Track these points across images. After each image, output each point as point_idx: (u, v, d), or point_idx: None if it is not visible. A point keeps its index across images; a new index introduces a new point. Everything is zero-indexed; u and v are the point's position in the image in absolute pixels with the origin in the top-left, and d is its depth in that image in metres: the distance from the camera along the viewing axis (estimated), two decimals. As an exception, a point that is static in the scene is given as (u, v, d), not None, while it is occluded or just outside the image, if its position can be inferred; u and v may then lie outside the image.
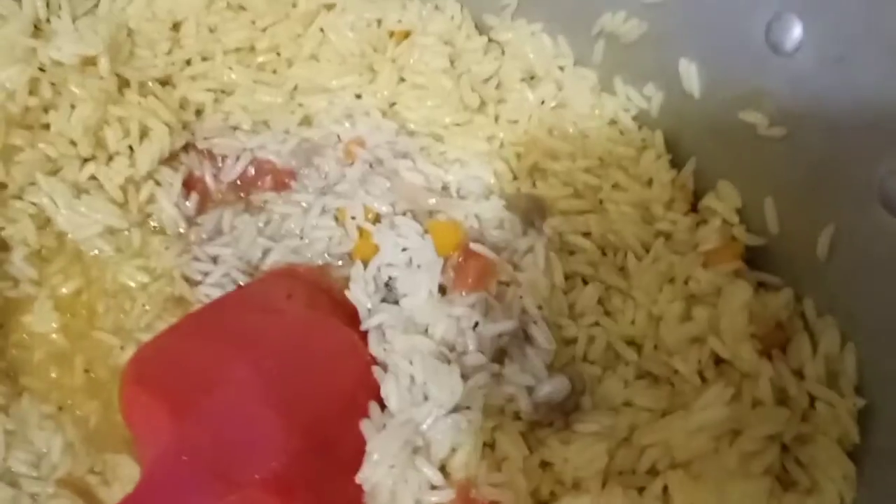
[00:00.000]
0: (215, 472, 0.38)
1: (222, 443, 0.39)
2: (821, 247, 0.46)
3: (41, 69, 0.53)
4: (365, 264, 0.54)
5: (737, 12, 0.47)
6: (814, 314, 0.47)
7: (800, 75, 0.45)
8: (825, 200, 0.45)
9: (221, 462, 0.39)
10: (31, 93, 0.53)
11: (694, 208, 0.55)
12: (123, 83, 0.56)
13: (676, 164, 0.55)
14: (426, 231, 0.53)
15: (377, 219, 0.55)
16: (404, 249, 0.53)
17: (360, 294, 0.53)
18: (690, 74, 0.52)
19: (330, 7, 0.60)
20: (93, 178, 0.54)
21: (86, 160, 0.54)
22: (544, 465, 0.46)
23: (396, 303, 0.52)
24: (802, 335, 0.46)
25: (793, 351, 0.46)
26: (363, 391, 0.47)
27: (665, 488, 0.44)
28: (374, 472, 0.43)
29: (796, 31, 0.45)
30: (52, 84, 0.53)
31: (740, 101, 0.49)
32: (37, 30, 0.55)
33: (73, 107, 0.54)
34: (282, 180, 0.58)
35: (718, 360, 0.47)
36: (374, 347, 0.50)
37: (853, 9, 0.42)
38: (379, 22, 0.60)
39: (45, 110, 0.54)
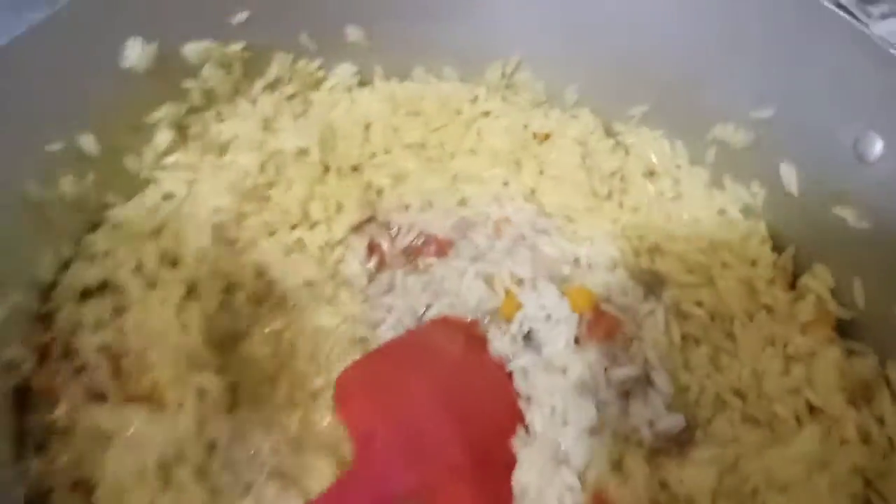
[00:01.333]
0: (412, 460, 0.50)
1: (418, 437, 0.51)
2: (898, 315, 0.56)
3: (268, 156, 0.69)
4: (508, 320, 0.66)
5: (830, 128, 0.58)
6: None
7: (881, 180, 0.56)
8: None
9: (417, 452, 0.50)
10: (260, 173, 0.68)
11: (793, 286, 0.65)
12: (326, 169, 0.71)
13: (777, 249, 0.66)
14: (562, 293, 0.65)
15: (520, 283, 0.67)
16: (543, 307, 0.65)
17: (501, 345, 0.64)
18: (790, 176, 0.62)
19: (486, 114, 0.74)
20: (299, 240, 0.69)
21: (294, 226, 0.69)
22: (662, 484, 0.55)
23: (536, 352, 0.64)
24: (884, 390, 0.55)
25: (876, 403, 0.55)
26: (512, 416, 0.58)
27: (765, 508, 0.53)
28: (524, 475, 0.54)
29: (878, 146, 0.56)
30: (276, 167, 0.69)
31: (833, 200, 0.59)
32: (266, 127, 0.71)
33: (289, 185, 0.69)
34: (443, 249, 0.71)
35: (812, 409, 0.57)
36: (519, 384, 0.61)
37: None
38: (525, 126, 0.74)
39: (269, 186, 0.69)
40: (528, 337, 0.66)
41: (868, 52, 0.54)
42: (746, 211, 0.67)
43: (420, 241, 0.72)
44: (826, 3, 0.56)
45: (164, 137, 0.65)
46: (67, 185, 0.59)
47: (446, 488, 0.49)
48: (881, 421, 0.54)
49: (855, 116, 0.56)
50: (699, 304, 0.65)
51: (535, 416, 0.58)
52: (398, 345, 0.62)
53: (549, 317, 0.65)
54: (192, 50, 0.62)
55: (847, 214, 0.58)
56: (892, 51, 0.52)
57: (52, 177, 0.58)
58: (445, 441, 0.52)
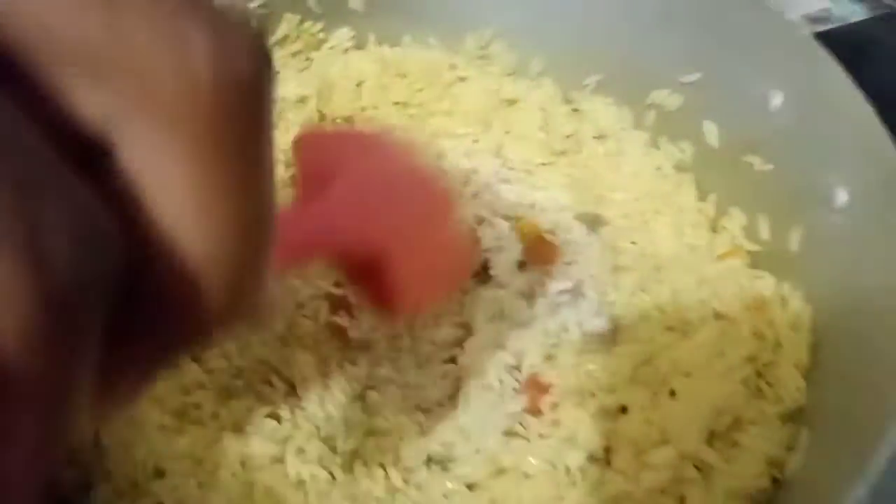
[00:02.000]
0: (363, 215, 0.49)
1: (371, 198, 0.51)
2: (792, 243, 0.67)
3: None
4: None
5: (743, 87, 0.70)
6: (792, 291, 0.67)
7: (780, 128, 0.67)
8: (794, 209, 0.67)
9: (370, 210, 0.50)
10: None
11: (714, 229, 0.76)
12: (322, 117, 0.82)
13: (702, 197, 0.77)
14: (512, 228, 0.76)
15: (481, 221, 0.78)
16: (497, 238, 0.75)
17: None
18: (712, 132, 0.74)
19: (463, 79, 0.86)
20: (293, 176, 0.80)
21: (289, 165, 0.80)
22: (587, 373, 0.65)
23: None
24: (777, 302, 0.66)
25: (769, 311, 0.65)
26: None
27: (672, 391, 0.63)
28: (467, 359, 0.64)
29: (779, 99, 0.68)
30: (278, 112, 0.80)
31: (744, 149, 0.71)
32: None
33: (287, 128, 0.80)
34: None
35: (717, 315, 0.67)
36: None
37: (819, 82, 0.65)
38: (496, 92, 0.85)
39: (271, 128, 0.80)
40: (483, 267, 0.77)
41: (769, 20, 0.66)
42: (678, 166, 0.78)
43: (400, 186, 0.84)
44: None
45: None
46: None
47: (392, 245, 0.49)
48: (772, 324, 0.64)
49: (762, 76, 0.68)
50: (633, 242, 0.76)
51: (478, 316, 0.68)
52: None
53: (500, 247, 0.76)
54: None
55: (754, 160, 0.70)
56: (786, 17, 0.65)
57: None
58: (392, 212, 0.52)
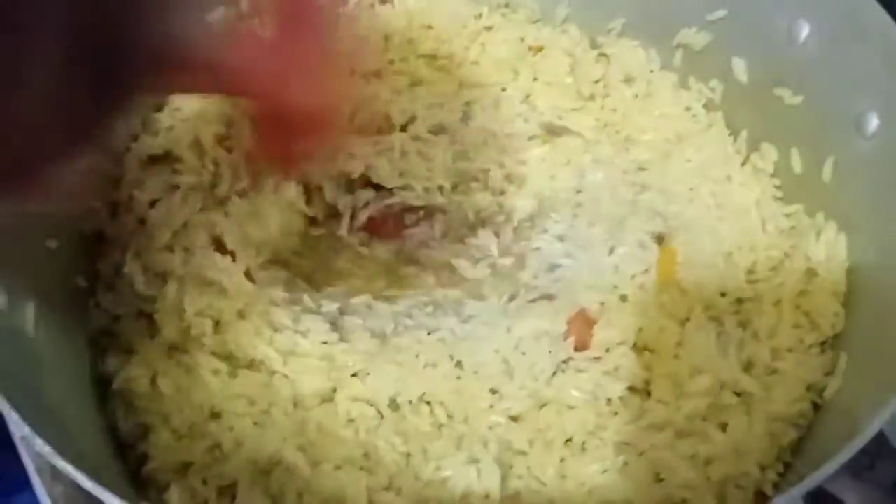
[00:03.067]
0: None
1: None
2: (825, 174, 0.68)
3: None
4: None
5: (769, 20, 0.69)
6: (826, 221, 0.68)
7: (809, 58, 0.67)
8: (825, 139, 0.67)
9: None
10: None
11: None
12: (352, 72, 0.83)
13: (733, 134, 0.77)
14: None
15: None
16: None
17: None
18: (740, 68, 0.74)
19: (489, 28, 0.86)
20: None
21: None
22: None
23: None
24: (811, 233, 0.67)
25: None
26: None
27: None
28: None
29: (806, 30, 0.67)
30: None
31: (773, 82, 0.71)
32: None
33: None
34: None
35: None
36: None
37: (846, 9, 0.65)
38: (522, 40, 0.86)
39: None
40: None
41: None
42: (708, 105, 0.78)
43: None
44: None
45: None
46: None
47: None
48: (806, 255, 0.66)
49: (788, 7, 0.68)
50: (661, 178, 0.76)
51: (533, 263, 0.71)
52: None
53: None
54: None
55: (784, 93, 0.70)
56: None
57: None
58: None
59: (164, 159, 0.73)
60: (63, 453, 0.43)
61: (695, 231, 0.71)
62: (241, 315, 0.63)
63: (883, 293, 0.61)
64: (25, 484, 0.66)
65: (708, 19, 0.75)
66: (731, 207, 0.72)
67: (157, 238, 0.68)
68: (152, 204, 0.70)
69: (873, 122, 0.62)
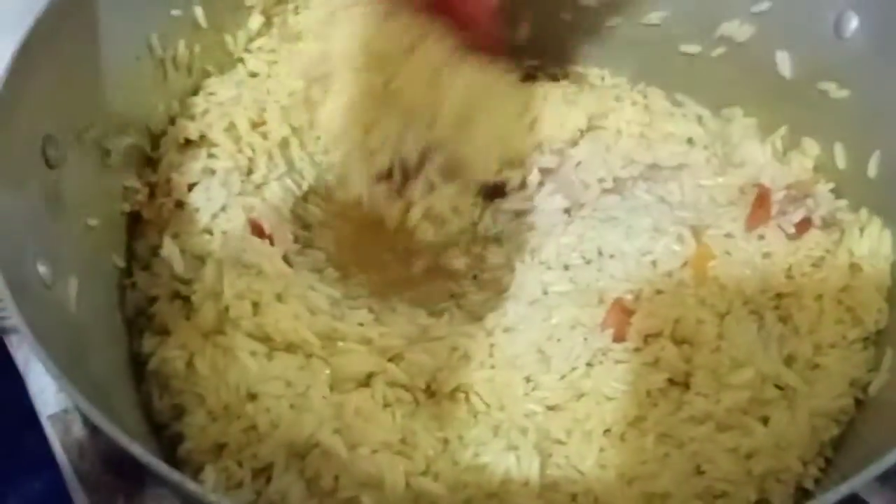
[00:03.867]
0: None
1: None
2: (870, 169, 0.67)
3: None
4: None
5: (815, 13, 0.69)
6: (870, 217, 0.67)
7: (856, 53, 0.66)
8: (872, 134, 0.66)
9: None
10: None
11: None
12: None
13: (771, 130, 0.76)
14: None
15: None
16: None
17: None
18: (784, 62, 0.73)
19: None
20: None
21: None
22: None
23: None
24: (854, 229, 0.66)
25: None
26: None
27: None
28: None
29: (854, 23, 0.66)
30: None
31: (817, 76, 0.70)
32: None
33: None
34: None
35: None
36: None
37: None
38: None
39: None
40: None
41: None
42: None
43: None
44: None
45: (255, 21, 0.78)
46: (181, 47, 0.72)
47: None
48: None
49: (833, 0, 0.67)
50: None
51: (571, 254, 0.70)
52: None
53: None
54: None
55: (829, 87, 0.69)
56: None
57: (170, 38, 0.71)
58: None
59: (201, 143, 0.73)
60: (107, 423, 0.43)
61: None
62: (280, 298, 0.63)
63: (929, 289, 0.60)
64: (45, 463, 0.66)
65: (752, 11, 0.74)
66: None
67: (195, 221, 0.68)
68: (190, 187, 0.70)
69: (923, 117, 0.62)
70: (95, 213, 0.63)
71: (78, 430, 0.67)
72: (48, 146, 0.57)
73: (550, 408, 0.60)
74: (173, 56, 0.72)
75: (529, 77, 0.84)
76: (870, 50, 0.65)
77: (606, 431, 0.59)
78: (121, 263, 0.67)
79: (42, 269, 0.53)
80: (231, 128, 0.74)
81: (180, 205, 0.70)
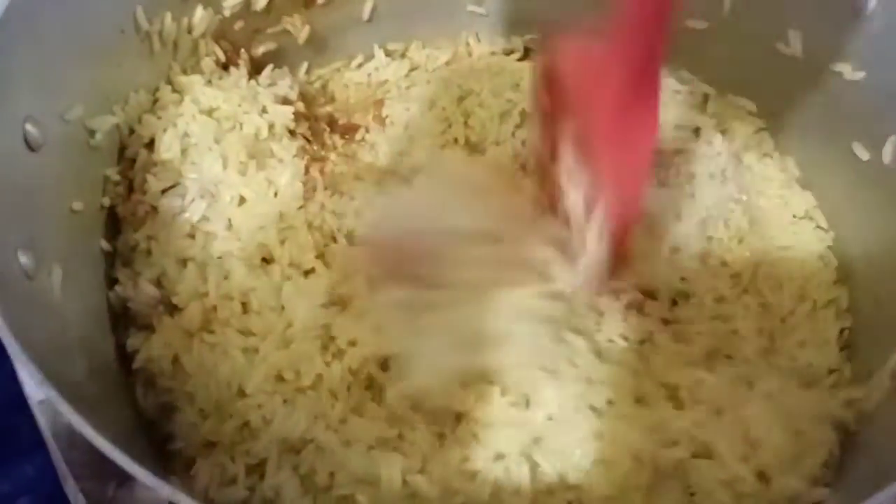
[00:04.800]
0: None
1: None
2: (885, 155, 0.64)
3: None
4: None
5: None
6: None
7: (874, 32, 0.63)
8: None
9: None
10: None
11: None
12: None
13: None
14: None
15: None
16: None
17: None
18: (796, 41, 0.70)
19: None
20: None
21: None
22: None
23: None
24: None
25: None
26: None
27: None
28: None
29: (873, 1, 0.64)
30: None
31: (832, 56, 0.67)
32: None
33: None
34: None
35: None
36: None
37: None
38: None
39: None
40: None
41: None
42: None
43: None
44: None
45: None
46: (167, 20, 0.68)
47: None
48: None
49: (854, -23, 0.64)
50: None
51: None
52: None
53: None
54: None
55: (843, 68, 0.67)
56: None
57: (156, 10, 0.67)
58: None
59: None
60: (87, 421, 0.41)
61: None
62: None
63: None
64: (37, 446, 0.64)
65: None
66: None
67: (172, 225, 0.64)
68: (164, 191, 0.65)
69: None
70: (80, 197, 0.60)
71: (67, 416, 0.66)
72: (29, 127, 0.54)
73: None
74: (159, 30, 0.68)
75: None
76: (890, 29, 0.63)
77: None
78: (108, 247, 0.64)
79: (23, 259, 0.51)
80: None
81: (154, 209, 0.65)
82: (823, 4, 0.67)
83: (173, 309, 0.62)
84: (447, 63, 0.83)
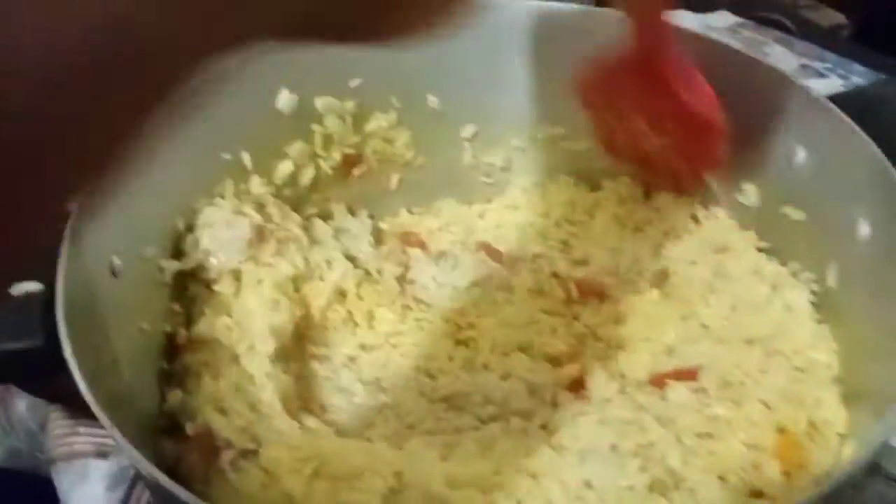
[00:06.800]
0: None
1: None
2: (829, 279, 0.74)
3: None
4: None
5: (771, 149, 0.79)
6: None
7: (806, 179, 0.76)
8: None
9: None
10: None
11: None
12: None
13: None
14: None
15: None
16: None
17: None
18: (752, 194, 0.83)
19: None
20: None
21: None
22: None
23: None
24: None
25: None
26: None
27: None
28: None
29: (802, 155, 0.76)
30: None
31: (779, 202, 0.79)
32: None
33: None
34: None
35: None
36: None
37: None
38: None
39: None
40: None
41: (792, 94, 0.76)
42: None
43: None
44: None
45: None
46: (229, 188, 0.84)
47: None
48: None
49: (785, 133, 0.77)
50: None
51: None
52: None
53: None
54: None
55: (789, 211, 0.78)
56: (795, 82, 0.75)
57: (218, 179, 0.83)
58: None
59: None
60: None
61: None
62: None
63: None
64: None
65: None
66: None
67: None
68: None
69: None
70: (147, 319, 0.73)
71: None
72: (114, 258, 0.68)
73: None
74: (220, 192, 0.84)
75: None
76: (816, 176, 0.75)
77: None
78: (166, 367, 0.75)
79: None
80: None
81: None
82: (765, 161, 0.80)
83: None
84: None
